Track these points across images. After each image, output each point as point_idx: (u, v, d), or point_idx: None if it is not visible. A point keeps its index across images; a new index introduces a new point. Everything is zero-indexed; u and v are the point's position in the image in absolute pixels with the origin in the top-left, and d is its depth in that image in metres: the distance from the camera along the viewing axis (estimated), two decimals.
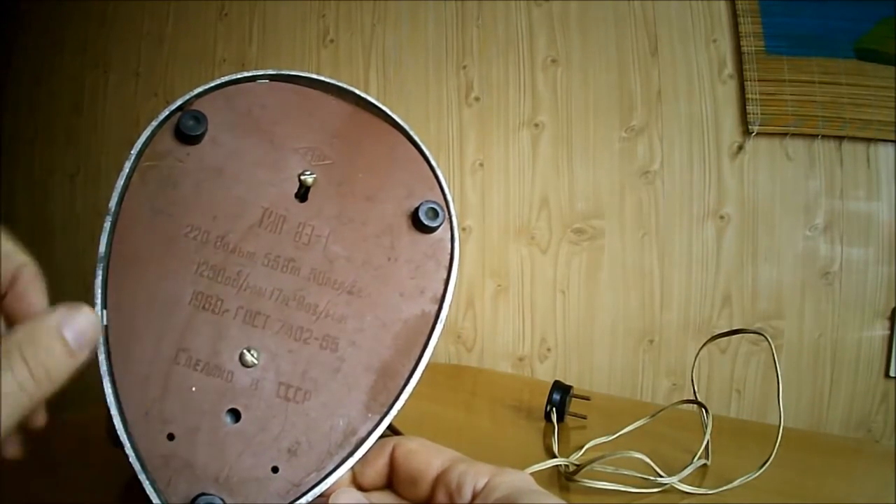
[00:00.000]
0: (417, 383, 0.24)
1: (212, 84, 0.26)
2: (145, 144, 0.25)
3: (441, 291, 0.26)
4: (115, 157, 1.42)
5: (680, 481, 0.50)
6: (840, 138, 0.91)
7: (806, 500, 0.52)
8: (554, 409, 0.67)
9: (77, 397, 0.25)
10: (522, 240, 1.07)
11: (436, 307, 0.25)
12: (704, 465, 0.55)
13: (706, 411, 0.58)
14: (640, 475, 0.49)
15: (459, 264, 0.26)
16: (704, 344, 0.63)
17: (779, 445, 0.51)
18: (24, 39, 1.57)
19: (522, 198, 1.07)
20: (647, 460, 0.49)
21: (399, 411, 0.24)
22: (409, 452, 0.22)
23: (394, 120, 0.28)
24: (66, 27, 1.50)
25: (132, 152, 0.24)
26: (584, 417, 0.69)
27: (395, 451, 0.22)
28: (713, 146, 0.98)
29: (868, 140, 0.90)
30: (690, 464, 0.53)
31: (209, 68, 1.31)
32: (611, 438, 0.60)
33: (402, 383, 0.24)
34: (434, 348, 0.25)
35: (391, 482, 0.23)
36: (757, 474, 0.50)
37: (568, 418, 0.69)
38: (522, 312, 1.07)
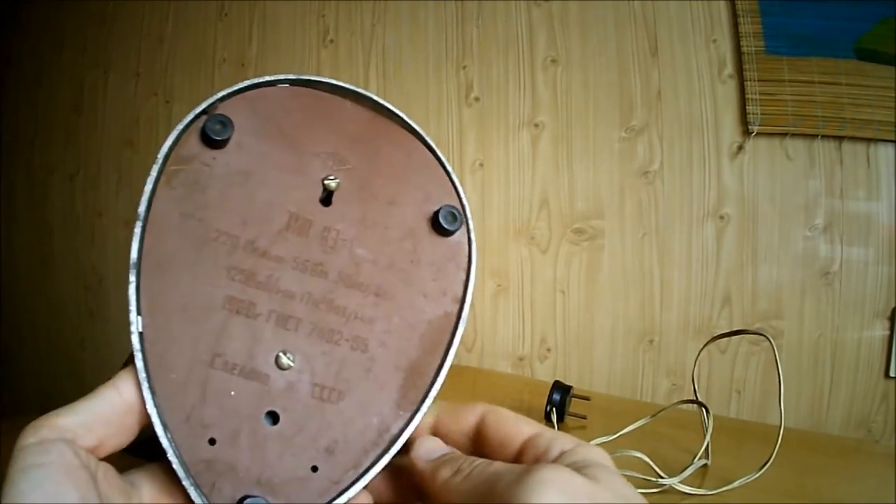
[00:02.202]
0: (444, 380, 0.25)
1: (234, 88, 0.26)
2: (171, 148, 0.25)
3: (461, 292, 0.26)
4: (115, 157, 1.42)
5: (680, 482, 0.50)
6: (840, 138, 0.91)
7: (806, 500, 0.52)
8: (554, 409, 0.67)
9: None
10: (522, 240, 1.07)
11: (457, 307, 0.26)
12: (705, 465, 0.55)
13: (706, 411, 0.58)
14: (640, 475, 0.49)
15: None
16: (706, 344, 0.63)
17: (779, 446, 0.51)
18: (24, 39, 1.57)
19: (522, 198, 1.07)
20: (648, 460, 0.50)
21: (429, 408, 0.24)
22: (502, 418, 0.23)
23: (410, 125, 0.28)
24: (66, 27, 1.49)
25: (158, 156, 0.24)
26: (584, 417, 0.69)
27: (487, 415, 0.23)
28: (713, 146, 0.98)
29: (868, 140, 0.90)
30: (691, 464, 0.53)
31: (209, 68, 1.31)
32: (611, 438, 0.60)
33: (429, 381, 0.25)
34: (458, 346, 0.26)
35: (474, 444, 0.24)
36: (757, 475, 0.50)
37: (568, 418, 0.69)
38: (522, 312, 1.07)
